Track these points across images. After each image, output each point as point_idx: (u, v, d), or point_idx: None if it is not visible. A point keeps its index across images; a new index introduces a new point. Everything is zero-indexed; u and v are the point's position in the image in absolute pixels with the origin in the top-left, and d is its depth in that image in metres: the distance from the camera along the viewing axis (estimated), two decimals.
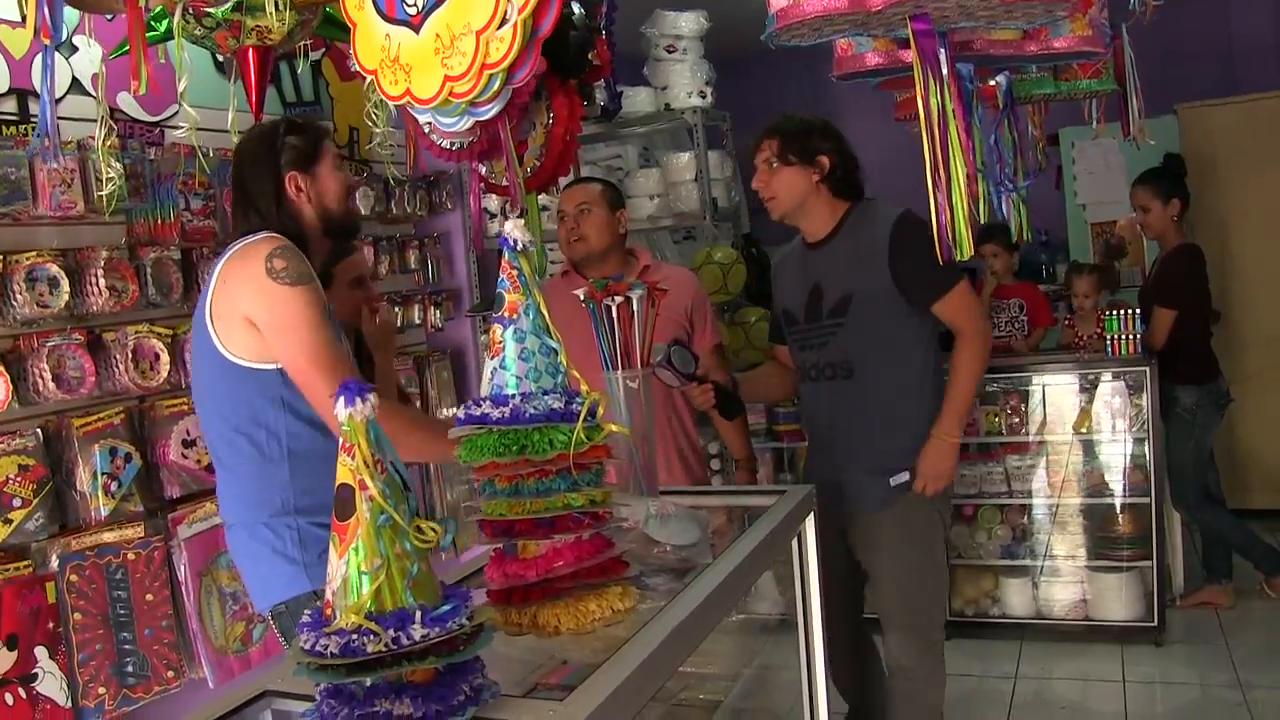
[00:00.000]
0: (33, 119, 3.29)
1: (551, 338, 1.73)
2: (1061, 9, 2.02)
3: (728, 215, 5.47)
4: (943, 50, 2.00)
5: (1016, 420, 4.93)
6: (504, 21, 2.04)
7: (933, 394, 3.18)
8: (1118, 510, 4.85)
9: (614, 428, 1.71)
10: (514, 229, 1.73)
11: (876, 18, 1.93)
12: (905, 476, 3.14)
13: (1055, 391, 5.00)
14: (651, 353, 2.39)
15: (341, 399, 1.31)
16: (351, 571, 1.30)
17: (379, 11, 2.13)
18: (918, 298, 3.08)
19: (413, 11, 2.08)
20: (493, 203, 5.21)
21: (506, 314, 1.73)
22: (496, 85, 2.10)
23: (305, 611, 1.36)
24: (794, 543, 2.35)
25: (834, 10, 1.85)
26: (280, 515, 2.44)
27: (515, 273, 1.73)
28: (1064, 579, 4.91)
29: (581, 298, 2.33)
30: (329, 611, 1.32)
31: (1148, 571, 4.71)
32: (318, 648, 1.27)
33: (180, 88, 2.56)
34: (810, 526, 2.37)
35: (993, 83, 2.91)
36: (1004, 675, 4.54)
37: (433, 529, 1.35)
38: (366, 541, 1.30)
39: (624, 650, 1.49)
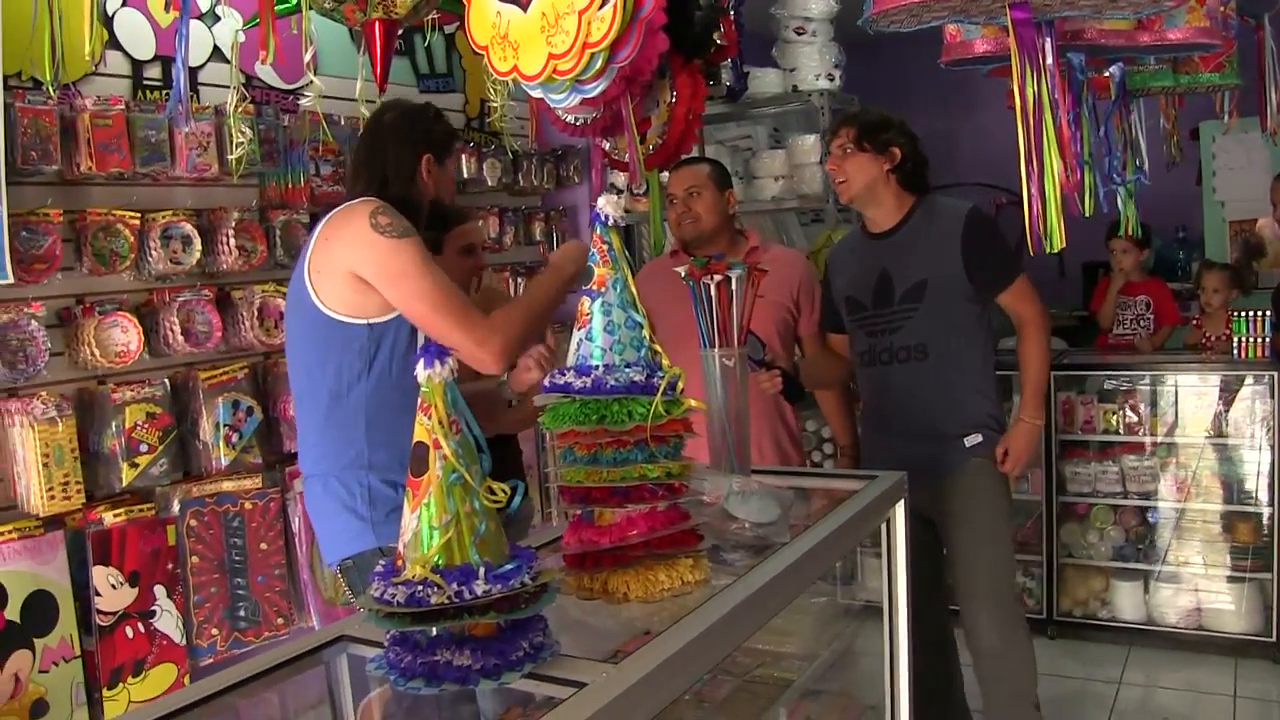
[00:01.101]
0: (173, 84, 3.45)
1: (638, 312, 1.76)
2: None
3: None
4: (1047, 39, 1.97)
5: (1135, 419, 4.81)
6: (605, 2, 2.08)
7: (990, 368, 3.39)
8: (1239, 518, 4.71)
9: (693, 403, 1.74)
10: (606, 204, 1.77)
11: (976, 4, 1.91)
12: (978, 438, 3.29)
13: (1178, 392, 4.86)
14: (748, 332, 2.41)
15: (421, 360, 1.37)
16: (422, 526, 1.36)
17: None
18: (984, 286, 3.25)
19: None
20: (619, 178, 5.25)
21: (595, 287, 1.77)
22: (599, 64, 2.14)
23: (379, 563, 1.42)
24: (883, 528, 2.35)
25: None
26: (353, 469, 2.51)
27: (605, 247, 1.78)
28: (1178, 585, 4.76)
29: (682, 274, 2.36)
30: (400, 563, 1.38)
31: (1268, 584, 4.55)
32: (386, 596, 1.33)
33: (307, 58, 2.66)
34: (900, 512, 2.36)
35: (1107, 73, 2.85)
36: (1108, 680, 4.45)
37: (503, 490, 1.40)
38: (438, 498, 1.35)
39: (685, 621, 1.52)
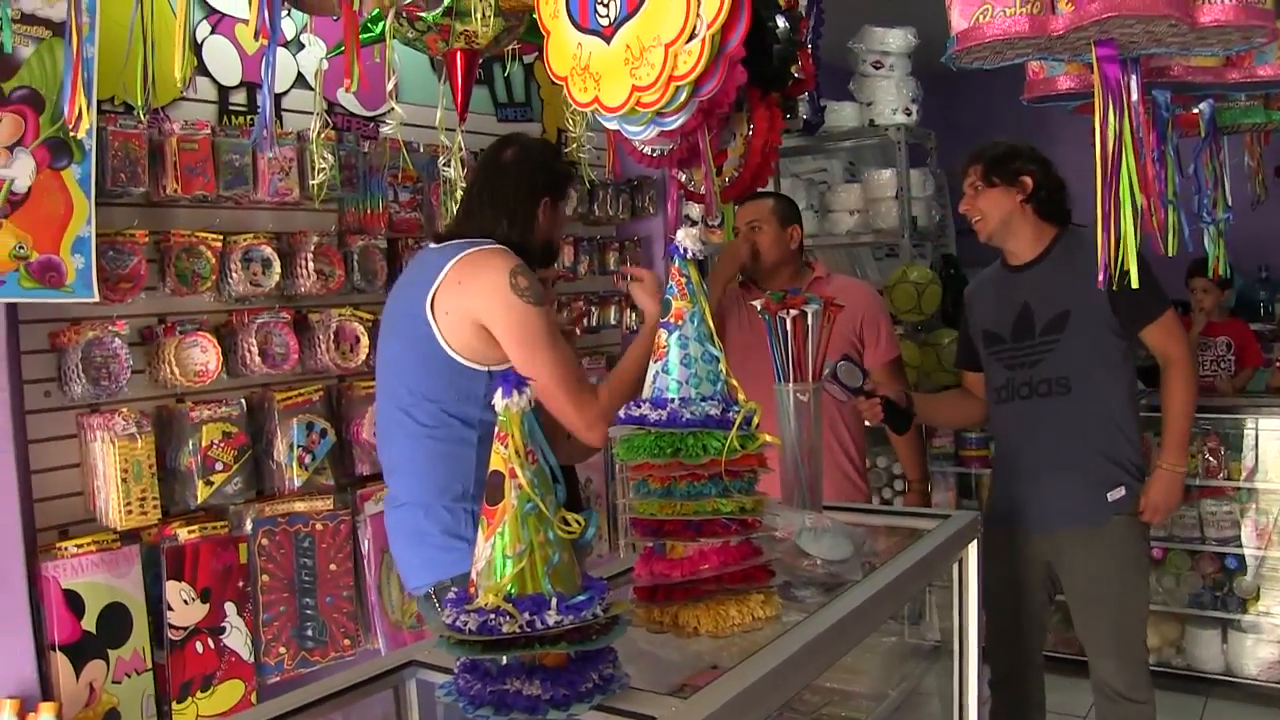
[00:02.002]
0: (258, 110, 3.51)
1: (714, 345, 1.76)
2: (1261, 35, 1.94)
3: (927, 235, 5.41)
4: (1133, 77, 1.95)
5: (1214, 463, 4.71)
6: (693, 35, 2.09)
7: (1134, 407, 3.25)
8: None
9: (768, 438, 1.73)
10: (685, 237, 1.78)
11: (1060, 42, 1.89)
12: (1122, 491, 3.17)
13: (1261, 436, 4.74)
14: (823, 367, 2.40)
15: (499, 390, 1.38)
16: (496, 554, 1.36)
17: (572, 21, 2.20)
18: (1130, 321, 3.14)
19: (605, 22, 2.14)
20: (694, 210, 5.26)
21: (673, 320, 1.77)
22: (683, 97, 2.14)
23: (453, 589, 1.43)
24: (955, 568, 2.32)
25: (1015, 33, 1.83)
26: (459, 501, 2.54)
27: (684, 280, 1.78)
28: (1259, 635, 4.64)
29: (759, 308, 2.36)
30: (473, 590, 1.39)
31: None
32: (458, 623, 1.33)
33: (389, 87, 2.69)
34: (973, 553, 2.34)
35: (1196, 110, 2.80)
36: None
37: (577, 520, 1.40)
38: (512, 527, 1.36)
39: (756, 657, 1.51)
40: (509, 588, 1.35)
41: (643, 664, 1.63)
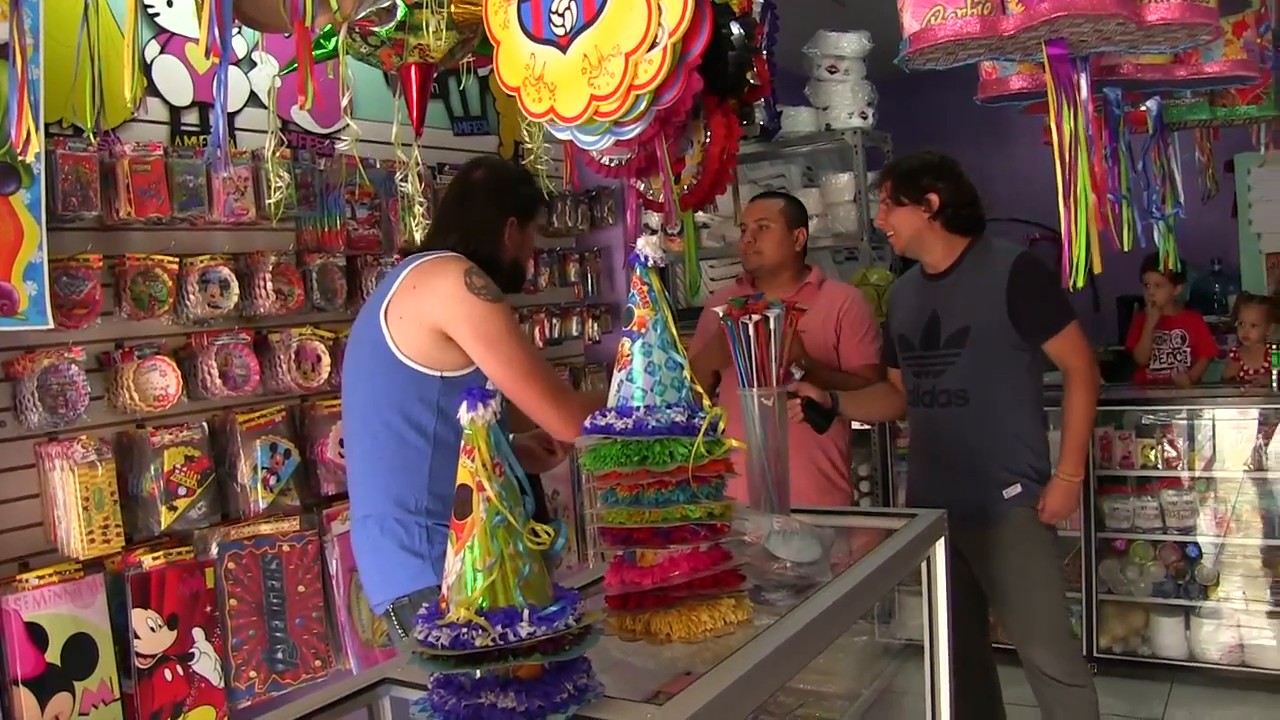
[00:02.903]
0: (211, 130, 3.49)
1: (678, 353, 1.77)
2: (1206, 32, 1.97)
3: (887, 237, 5.42)
4: (1082, 75, 1.98)
5: (1173, 454, 4.77)
6: (654, 44, 2.09)
7: (1038, 416, 3.33)
8: (1278, 552, 4.64)
9: (734, 443, 1.74)
10: (645, 245, 1.78)
11: (1011, 42, 1.92)
12: (1018, 488, 3.25)
13: (1216, 426, 4.80)
14: (788, 371, 2.41)
15: (464, 403, 1.37)
16: (466, 568, 1.36)
17: (525, 31, 2.20)
18: (1031, 334, 3.21)
19: (560, 32, 2.15)
20: (653, 219, 5.27)
21: (635, 328, 1.78)
22: (643, 106, 2.15)
23: (424, 604, 1.42)
24: (923, 566, 2.34)
25: (966, 34, 1.85)
26: (413, 514, 2.52)
27: (645, 288, 1.78)
28: (1220, 621, 4.69)
29: (720, 314, 2.37)
30: (444, 605, 1.38)
31: None
32: (430, 639, 1.33)
33: (344, 103, 2.68)
34: (941, 550, 2.35)
35: (1144, 107, 2.84)
36: (1151, 718, 4.39)
37: (546, 532, 1.40)
38: (481, 540, 1.35)
39: (729, 661, 1.51)
40: (480, 601, 1.35)
41: (617, 673, 1.63)
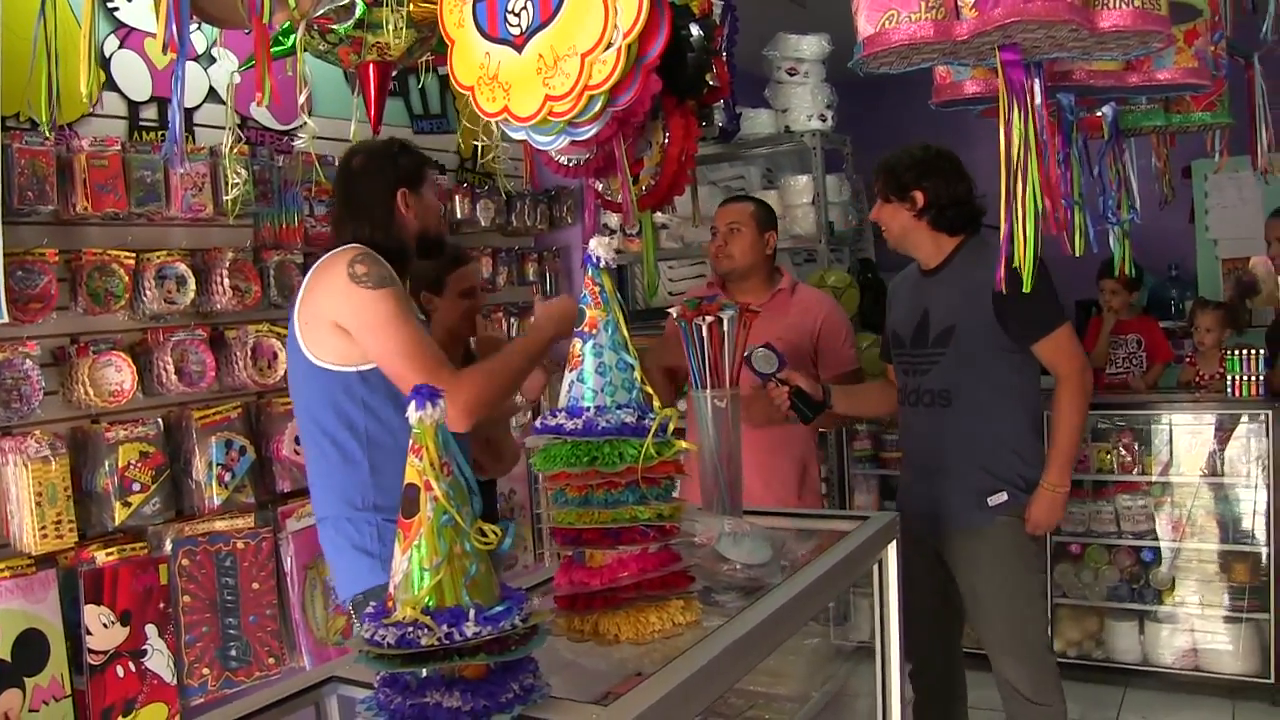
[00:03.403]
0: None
1: (629, 354, 1.77)
2: (1157, 40, 1.99)
3: (845, 239, 5.45)
4: (1036, 81, 1.99)
5: (1129, 459, 4.79)
6: (609, 45, 2.10)
7: (1029, 420, 3.23)
8: (1235, 558, 4.68)
9: (684, 445, 1.75)
10: (598, 246, 1.78)
11: (965, 46, 1.93)
12: (1003, 496, 3.17)
13: (1170, 431, 4.83)
14: (739, 372, 2.42)
15: (412, 402, 1.38)
16: (413, 567, 1.36)
17: (480, 30, 2.20)
18: (1019, 336, 3.12)
19: (516, 32, 2.15)
20: (612, 219, 5.27)
21: (586, 329, 1.78)
22: (597, 107, 2.15)
23: (370, 603, 1.42)
24: (875, 569, 2.35)
25: (920, 38, 1.86)
26: (361, 511, 2.54)
27: (597, 289, 1.79)
28: (1174, 626, 4.74)
29: (674, 316, 2.37)
30: (390, 604, 1.38)
31: (1265, 624, 4.52)
32: (376, 637, 1.33)
33: (301, 100, 2.68)
34: (893, 554, 2.37)
35: (1099, 113, 2.86)
36: None
37: (494, 531, 1.40)
38: (428, 540, 1.35)
39: (676, 663, 1.51)
40: (427, 600, 1.35)
41: (567, 674, 1.64)
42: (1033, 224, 1.96)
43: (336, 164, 3.77)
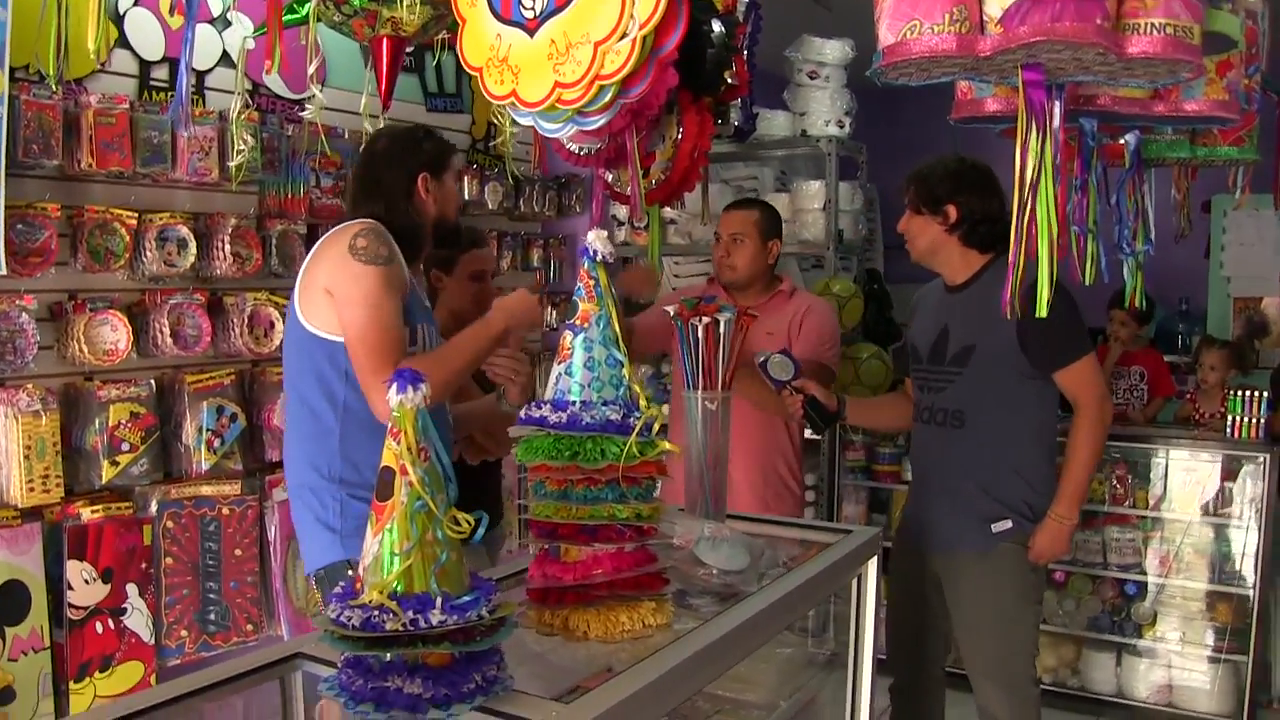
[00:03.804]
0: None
1: (619, 350, 1.76)
2: (1187, 69, 1.96)
3: (853, 248, 5.42)
4: (1056, 103, 1.97)
5: (1121, 491, 4.76)
6: (624, 35, 2.08)
7: (1043, 448, 3.15)
8: (1220, 598, 4.65)
9: (667, 445, 1.73)
10: (595, 239, 1.77)
11: (987, 63, 1.90)
12: (1008, 524, 3.09)
13: (1166, 466, 4.79)
14: (734, 376, 2.40)
15: (394, 385, 1.36)
16: (384, 551, 1.35)
17: (493, 11, 2.19)
18: (1041, 363, 3.04)
19: (529, 15, 2.13)
20: (620, 211, 5.25)
21: (579, 322, 1.77)
22: (607, 97, 2.14)
23: (339, 583, 1.42)
24: (854, 583, 2.34)
25: (941, 51, 1.84)
26: (326, 482, 2.53)
27: (592, 283, 1.77)
28: (1152, 660, 4.71)
29: (671, 314, 2.36)
30: (358, 585, 1.37)
31: (1243, 666, 4.50)
32: (341, 618, 1.32)
33: (310, 70, 2.66)
34: (873, 569, 2.35)
35: (1122, 140, 2.80)
36: None
37: (467, 520, 1.39)
38: (400, 524, 1.34)
39: (641, 665, 1.50)
40: (395, 585, 1.34)
41: (535, 666, 1.63)
42: (1046, 248, 1.93)
43: (346, 136, 3.81)
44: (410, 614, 1.30)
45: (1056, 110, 2.05)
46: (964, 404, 3.12)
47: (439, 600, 1.32)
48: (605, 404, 1.72)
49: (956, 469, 3.16)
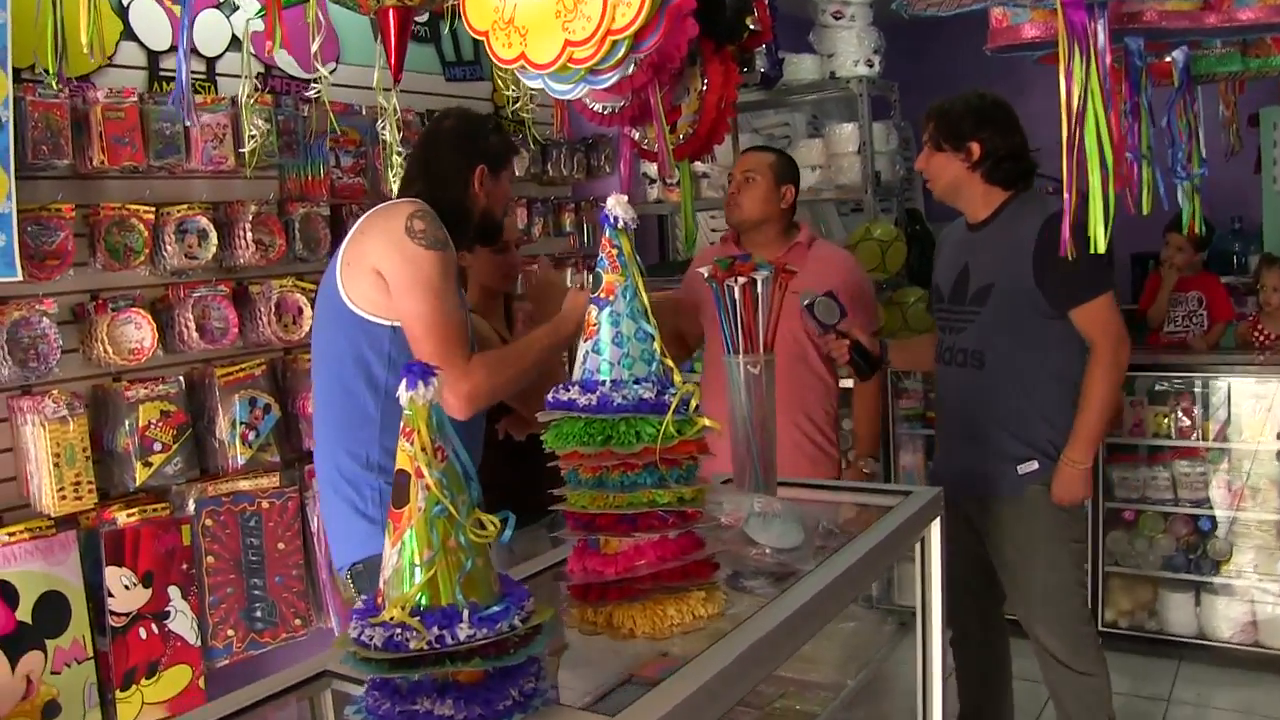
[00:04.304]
0: (192, 75, 3.35)
1: (648, 323, 1.64)
2: None
3: (892, 190, 5.26)
4: (1100, 23, 1.81)
5: (1188, 423, 4.60)
6: None
7: (1066, 388, 3.06)
8: None
9: (707, 422, 1.61)
10: (615, 205, 1.65)
11: None
12: (1034, 465, 3.05)
13: (1234, 394, 4.61)
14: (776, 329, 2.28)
15: (404, 380, 1.26)
16: (404, 562, 1.25)
17: None
18: (1057, 301, 2.96)
19: None
20: (651, 168, 5.12)
21: (603, 295, 1.64)
22: (621, 52, 2.02)
23: (361, 597, 1.32)
24: (918, 547, 2.22)
25: None
26: (364, 471, 2.43)
27: (615, 251, 1.65)
28: (1232, 598, 4.54)
29: (705, 275, 2.24)
30: (380, 600, 1.27)
31: None
32: (363, 638, 1.22)
33: (314, 47, 2.56)
34: (936, 531, 2.23)
35: (1168, 59, 2.64)
36: (1156, 697, 4.27)
37: (493, 523, 1.28)
38: (419, 532, 1.24)
39: (691, 666, 1.39)
40: (419, 598, 1.23)
41: (580, 669, 1.53)
42: (1097, 178, 1.79)
43: (364, 113, 3.71)
44: (435, 630, 1.20)
45: (1100, 31, 1.90)
46: (983, 344, 3.08)
47: (466, 612, 1.22)
48: (637, 382, 1.59)
49: (979, 411, 3.11)
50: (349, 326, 2.44)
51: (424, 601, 1.24)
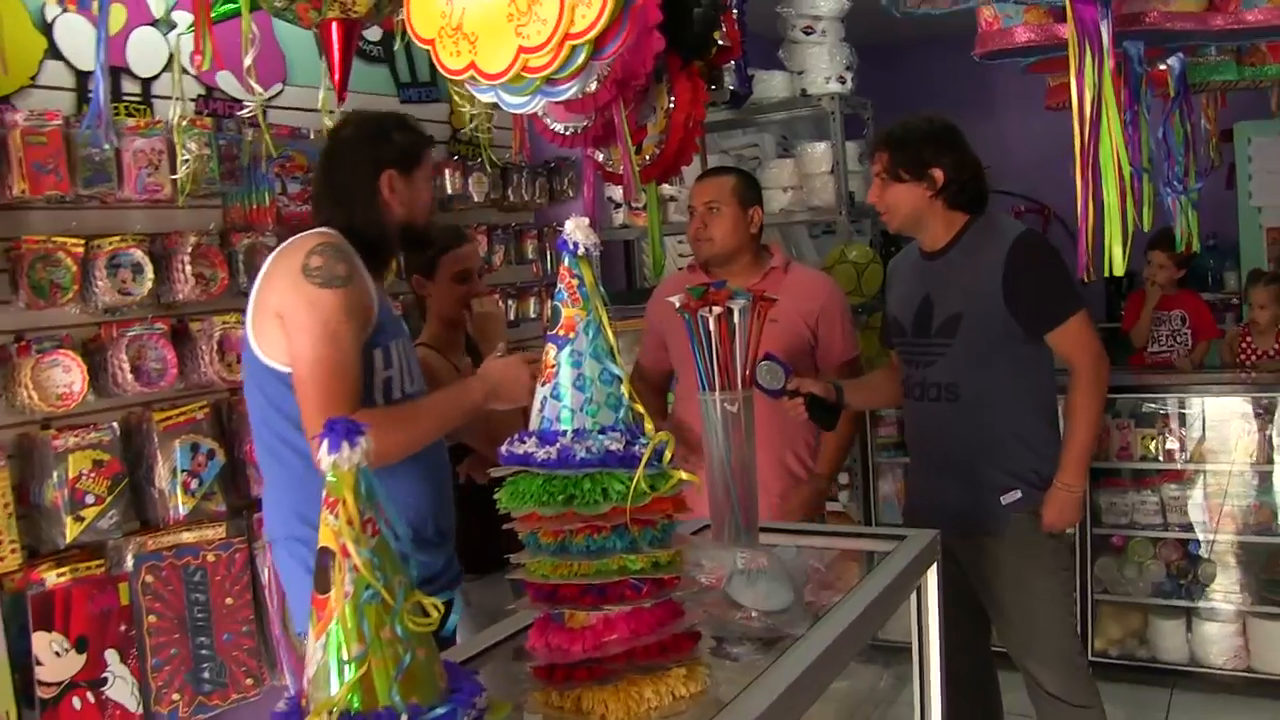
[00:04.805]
0: (125, 97, 3.17)
1: (614, 363, 1.44)
2: None
3: (866, 210, 5.10)
4: (1105, 23, 1.65)
5: (1175, 445, 4.47)
6: None
7: (1044, 411, 3.02)
8: None
9: (684, 476, 1.41)
10: (575, 229, 1.45)
11: None
12: (1017, 494, 2.95)
13: (1220, 414, 4.48)
14: (754, 370, 2.11)
15: (326, 442, 1.06)
16: (329, 659, 1.05)
17: None
18: (1031, 325, 2.88)
19: None
20: (616, 191, 4.96)
21: (563, 332, 1.45)
22: (580, 59, 1.84)
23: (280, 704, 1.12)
24: (912, 598, 2.04)
25: None
26: (314, 530, 2.22)
27: (575, 282, 1.46)
28: (1224, 623, 4.40)
29: (676, 305, 2.05)
30: (304, 702, 1.08)
31: None
32: None
33: (247, 63, 2.36)
34: (933, 578, 2.06)
35: (1163, 66, 2.50)
36: None
37: (435, 607, 1.09)
38: (347, 622, 1.05)
39: None
40: (348, 700, 1.04)
41: None
42: (1114, 193, 1.61)
43: (312, 137, 3.52)
44: None
45: (1104, 32, 1.74)
46: (957, 376, 2.96)
47: (404, 717, 1.03)
48: (603, 431, 1.40)
49: (957, 444, 3.00)
50: (263, 379, 2.27)
51: (355, 704, 1.05)
